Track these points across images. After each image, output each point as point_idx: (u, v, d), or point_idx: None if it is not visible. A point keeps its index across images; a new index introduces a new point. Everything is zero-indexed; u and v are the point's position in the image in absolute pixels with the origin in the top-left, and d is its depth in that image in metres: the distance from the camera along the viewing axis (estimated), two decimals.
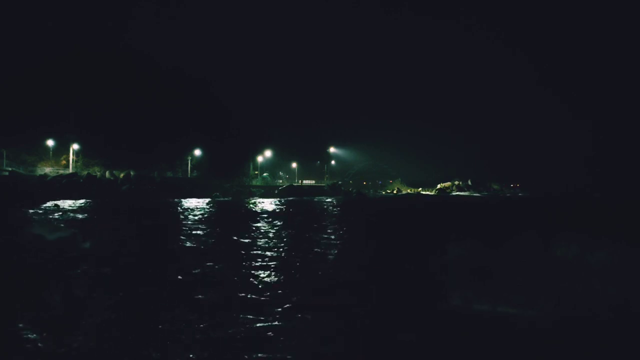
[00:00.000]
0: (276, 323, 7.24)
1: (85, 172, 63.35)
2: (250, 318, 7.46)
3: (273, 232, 19.70)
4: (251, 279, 10.21)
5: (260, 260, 12.57)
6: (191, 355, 5.99)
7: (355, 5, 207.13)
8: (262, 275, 10.60)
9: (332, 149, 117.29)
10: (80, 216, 26.22)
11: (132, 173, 65.10)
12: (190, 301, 8.42)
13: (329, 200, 63.93)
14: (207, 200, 54.16)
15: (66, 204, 37.15)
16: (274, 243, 16.25)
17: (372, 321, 7.58)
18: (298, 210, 37.63)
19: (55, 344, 6.29)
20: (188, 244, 15.64)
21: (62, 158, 69.31)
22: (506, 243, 11.11)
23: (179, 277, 10.41)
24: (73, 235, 17.38)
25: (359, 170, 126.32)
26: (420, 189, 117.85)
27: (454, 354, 6.36)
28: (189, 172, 79.65)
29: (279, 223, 24.27)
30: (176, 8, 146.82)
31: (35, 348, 6.15)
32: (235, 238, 17.72)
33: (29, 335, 6.53)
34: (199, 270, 11.15)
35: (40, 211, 28.27)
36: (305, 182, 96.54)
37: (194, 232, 19.47)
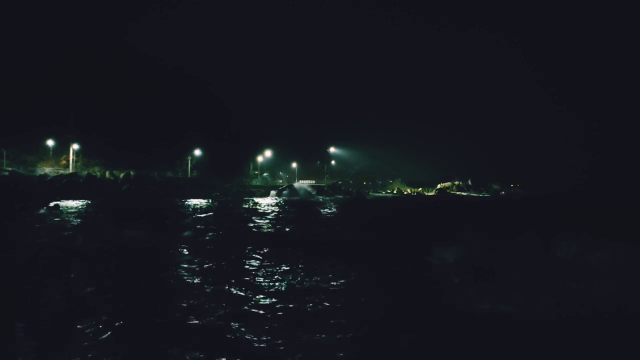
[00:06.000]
0: (273, 322, 7.26)
1: (85, 172, 63.27)
2: (247, 318, 7.47)
3: (272, 233, 19.72)
4: (248, 281, 10.23)
5: (258, 260, 12.59)
6: (188, 357, 6.01)
7: (355, 5, 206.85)
8: (259, 276, 10.62)
9: (332, 149, 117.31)
10: (80, 216, 26.23)
11: (132, 173, 65.01)
12: (189, 303, 8.43)
13: (329, 200, 63.95)
14: (208, 200, 54.17)
15: (66, 204, 37.16)
16: (273, 243, 16.26)
17: (373, 320, 7.60)
18: (298, 210, 37.64)
19: (55, 344, 6.30)
20: (188, 244, 15.66)
21: (62, 158, 69.28)
22: (507, 243, 11.14)
23: (179, 278, 10.42)
24: (73, 236, 17.42)
25: (359, 170, 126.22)
26: (420, 189, 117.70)
27: (455, 353, 6.38)
28: (189, 172, 79.64)
29: (278, 223, 24.28)
30: (176, 8, 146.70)
31: (35, 348, 6.16)
32: (234, 238, 17.74)
33: (28, 336, 6.54)
34: (198, 272, 11.17)
35: (41, 211, 28.27)
36: (305, 182, 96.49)
37: (193, 232, 19.48)
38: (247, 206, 42.05)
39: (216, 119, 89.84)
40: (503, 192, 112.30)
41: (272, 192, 73.57)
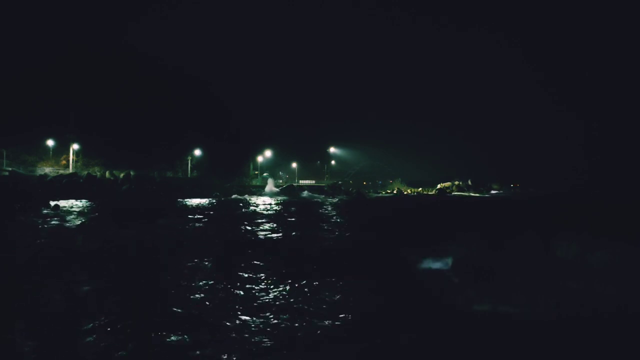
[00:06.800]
0: (272, 322, 7.26)
1: (85, 172, 63.24)
2: (246, 318, 7.48)
3: (271, 234, 19.72)
4: (247, 281, 10.23)
5: (258, 260, 12.59)
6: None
7: (355, 5, 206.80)
8: (259, 276, 10.62)
9: (332, 149, 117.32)
10: (80, 216, 26.23)
11: (132, 173, 65.00)
12: (188, 304, 8.43)
13: (329, 200, 63.96)
14: (207, 200, 54.19)
15: (67, 204, 37.16)
16: (271, 245, 16.27)
17: (373, 320, 7.60)
18: (297, 209, 37.65)
19: (55, 344, 6.30)
20: (186, 245, 15.66)
21: (62, 158, 69.26)
22: (507, 243, 11.13)
23: (177, 279, 10.42)
24: (73, 236, 17.43)
25: (359, 170, 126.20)
26: (420, 189, 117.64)
27: (455, 353, 6.37)
28: (189, 172, 79.64)
29: (277, 223, 24.29)
30: (176, 8, 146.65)
31: (35, 348, 6.16)
32: (234, 238, 17.74)
33: (28, 336, 6.54)
34: (196, 273, 11.17)
35: (41, 211, 28.27)
36: (305, 182, 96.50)
37: (193, 232, 19.49)
38: (246, 206, 42.06)
39: (216, 119, 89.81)
40: (498, 192, 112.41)
41: (268, 190, 73.77)
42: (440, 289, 9.25)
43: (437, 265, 11.11)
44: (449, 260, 10.92)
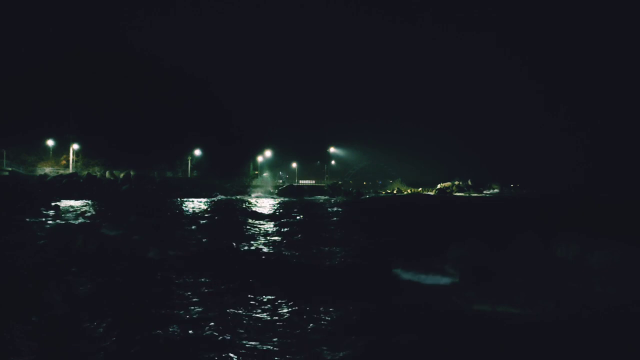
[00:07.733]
0: (273, 320, 7.27)
1: (85, 172, 63.22)
2: (247, 317, 7.48)
3: (271, 233, 19.72)
4: (247, 283, 10.24)
5: (259, 259, 12.60)
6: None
7: (355, 6, 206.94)
8: (260, 274, 10.63)
9: (332, 149, 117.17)
10: (80, 217, 26.22)
11: (132, 173, 64.98)
12: (188, 305, 8.44)
13: (329, 200, 63.94)
14: (207, 200, 54.19)
15: (66, 204, 37.15)
16: (273, 243, 16.27)
17: (372, 320, 7.60)
18: (298, 209, 37.66)
19: (55, 344, 6.30)
20: (187, 245, 15.67)
21: (62, 158, 69.22)
22: (507, 243, 11.13)
23: (178, 279, 10.43)
24: (73, 236, 17.40)
25: (359, 170, 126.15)
26: (420, 189, 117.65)
27: (455, 353, 6.38)
28: (189, 172, 79.60)
29: (276, 226, 24.29)
30: (176, 8, 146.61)
31: (35, 348, 6.16)
32: (233, 237, 17.74)
33: (28, 336, 6.54)
34: (198, 274, 11.18)
35: (41, 212, 28.24)
36: (305, 182, 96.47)
37: (193, 232, 19.49)
38: (245, 208, 42.06)
39: (216, 119, 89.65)
40: (498, 192, 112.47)
41: (264, 192, 74.06)
42: (440, 289, 9.25)
43: (438, 264, 11.10)
44: (450, 260, 10.91)
